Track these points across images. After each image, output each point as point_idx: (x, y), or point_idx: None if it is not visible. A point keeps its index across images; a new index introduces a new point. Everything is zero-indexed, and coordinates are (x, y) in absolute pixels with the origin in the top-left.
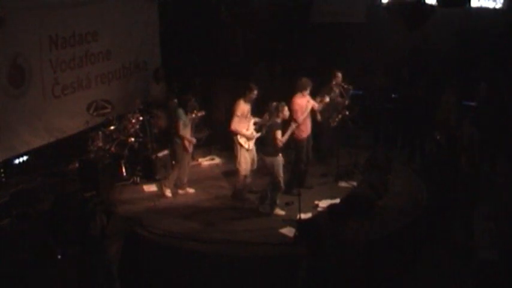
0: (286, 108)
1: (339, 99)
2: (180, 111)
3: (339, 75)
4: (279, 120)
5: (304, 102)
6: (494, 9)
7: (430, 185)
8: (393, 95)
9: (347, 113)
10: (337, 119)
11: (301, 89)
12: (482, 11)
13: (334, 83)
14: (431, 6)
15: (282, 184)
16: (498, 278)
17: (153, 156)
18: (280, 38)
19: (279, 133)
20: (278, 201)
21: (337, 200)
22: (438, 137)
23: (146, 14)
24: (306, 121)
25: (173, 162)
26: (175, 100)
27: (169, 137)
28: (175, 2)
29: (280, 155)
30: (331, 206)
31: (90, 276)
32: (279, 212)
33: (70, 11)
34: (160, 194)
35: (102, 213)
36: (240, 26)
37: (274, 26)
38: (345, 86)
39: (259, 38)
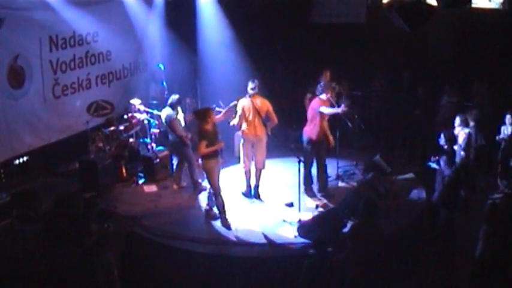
0: (213, 114)
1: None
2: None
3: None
4: (208, 126)
5: (315, 105)
6: (495, 10)
7: (429, 186)
8: (393, 96)
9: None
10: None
11: (319, 93)
12: (483, 11)
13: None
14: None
15: (217, 190)
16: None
17: (153, 157)
18: (280, 39)
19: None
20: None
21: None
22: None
23: (146, 15)
24: (316, 124)
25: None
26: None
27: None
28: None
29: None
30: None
31: (91, 278)
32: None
33: (70, 11)
34: (160, 194)
35: (102, 214)
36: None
37: (275, 27)
38: (333, 86)
39: (260, 38)
